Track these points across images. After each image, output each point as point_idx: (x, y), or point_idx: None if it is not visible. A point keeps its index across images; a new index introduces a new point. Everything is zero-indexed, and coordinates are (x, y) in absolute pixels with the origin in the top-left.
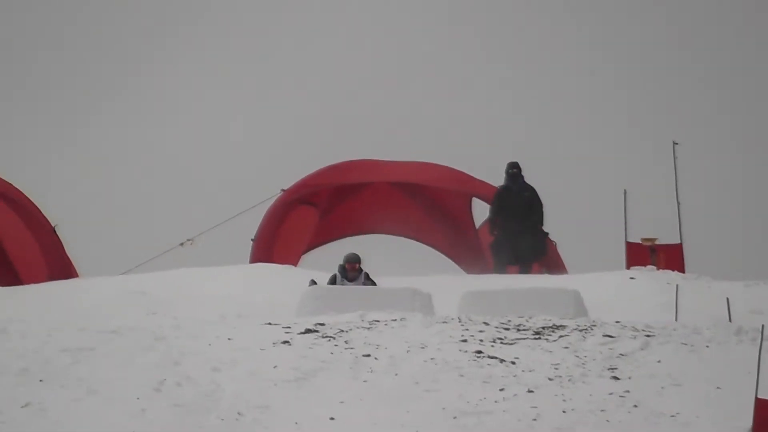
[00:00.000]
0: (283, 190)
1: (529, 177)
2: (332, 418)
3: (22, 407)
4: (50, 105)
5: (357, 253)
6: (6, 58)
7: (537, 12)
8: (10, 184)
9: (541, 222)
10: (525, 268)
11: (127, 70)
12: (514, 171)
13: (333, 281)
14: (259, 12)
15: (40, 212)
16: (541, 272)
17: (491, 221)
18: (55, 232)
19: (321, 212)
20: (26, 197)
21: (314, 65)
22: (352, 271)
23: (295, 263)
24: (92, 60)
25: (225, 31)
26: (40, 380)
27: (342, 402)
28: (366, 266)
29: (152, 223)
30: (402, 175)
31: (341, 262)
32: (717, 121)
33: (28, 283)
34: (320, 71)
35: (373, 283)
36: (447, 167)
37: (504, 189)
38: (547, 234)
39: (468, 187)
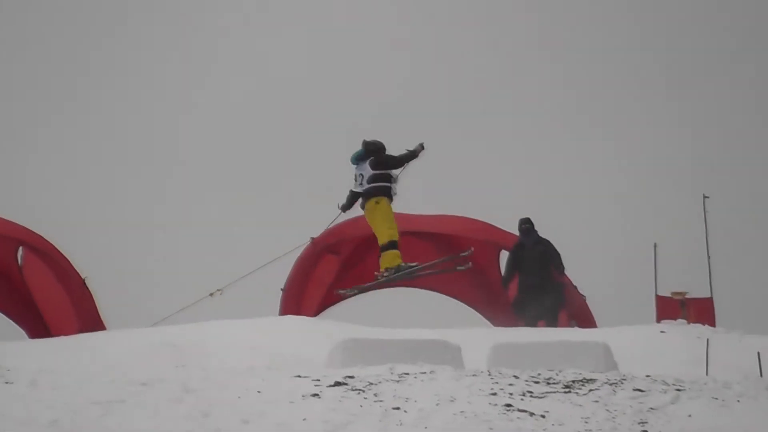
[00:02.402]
0: (312, 238)
1: (558, 231)
2: None
3: None
4: (77, 154)
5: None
6: (35, 104)
7: (562, 63)
8: (41, 237)
9: (561, 270)
10: (551, 321)
11: (154, 119)
12: (526, 226)
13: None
14: (285, 59)
15: (71, 265)
16: (570, 325)
17: (505, 276)
18: (85, 284)
19: (342, 261)
20: (56, 249)
21: (342, 113)
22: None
23: (315, 314)
24: (121, 107)
25: (252, 74)
26: None
27: None
28: (394, 319)
29: (181, 273)
30: (429, 226)
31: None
32: (748, 174)
33: (58, 335)
34: (347, 117)
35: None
36: (474, 219)
37: (518, 245)
38: (574, 286)
39: (496, 238)
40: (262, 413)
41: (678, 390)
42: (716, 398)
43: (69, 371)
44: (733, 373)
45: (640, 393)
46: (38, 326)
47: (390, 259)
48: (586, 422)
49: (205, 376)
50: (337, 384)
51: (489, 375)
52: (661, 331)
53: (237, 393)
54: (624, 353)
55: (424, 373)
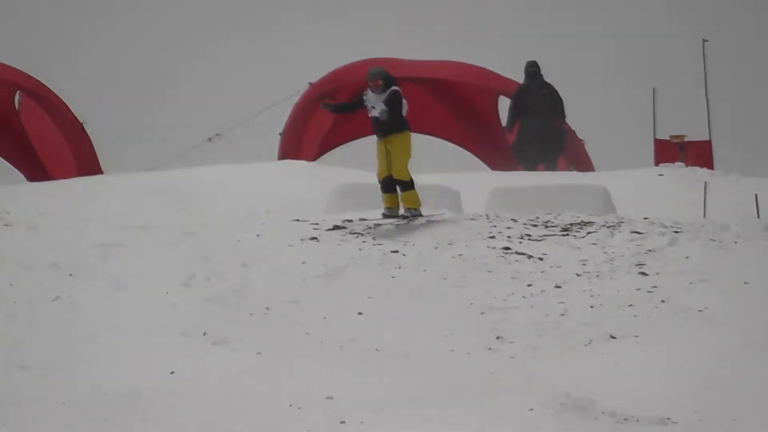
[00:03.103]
0: (310, 83)
1: (558, 74)
2: (360, 313)
3: (52, 301)
4: None
5: (380, 67)
6: None
7: None
8: (39, 81)
9: (563, 117)
10: (551, 166)
11: None
12: (532, 69)
13: (360, 100)
14: None
15: (69, 109)
16: (568, 169)
17: (509, 120)
18: (83, 128)
19: None
20: (54, 94)
21: None
22: (375, 87)
23: (313, 159)
24: None
25: None
26: (70, 275)
27: (370, 297)
28: None
29: (180, 118)
30: (428, 71)
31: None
32: (747, 17)
33: (57, 179)
34: None
35: (398, 102)
36: (472, 65)
37: (523, 88)
38: (572, 131)
39: (494, 83)
40: (262, 257)
41: (676, 232)
42: (714, 240)
43: (68, 215)
44: (731, 215)
45: (638, 235)
46: (37, 170)
47: (415, 199)
48: (584, 264)
49: (204, 220)
50: (336, 228)
51: (487, 219)
52: (660, 175)
53: (236, 237)
54: (622, 197)
55: (423, 217)
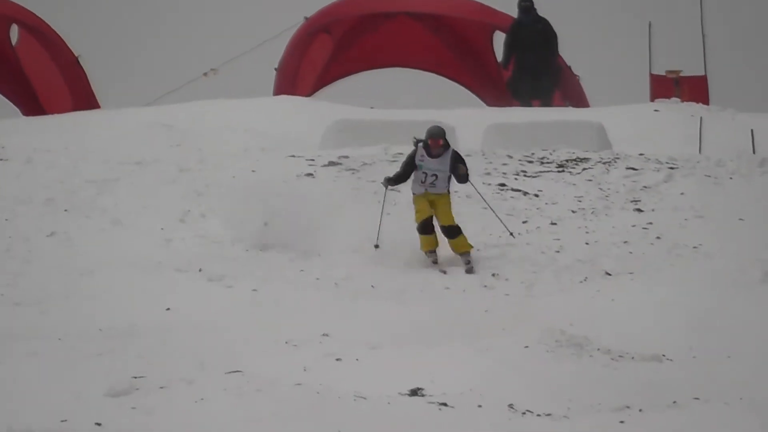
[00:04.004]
0: (306, 18)
1: (554, 9)
2: (355, 251)
3: (47, 236)
4: None
5: (441, 127)
6: None
7: None
8: (34, 14)
9: (556, 53)
10: (545, 101)
11: None
12: (526, 4)
13: (413, 156)
14: None
15: (64, 43)
16: (564, 105)
17: (504, 56)
18: (78, 62)
19: (335, 41)
20: (50, 27)
21: None
22: (435, 147)
23: (309, 94)
24: None
25: None
26: (66, 210)
27: (366, 232)
28: (389, 100)
29: (175, 52)
30: (424, 6)
31: (424, 137)
32: None
33: (52, 114)
34: None
35: (463, 163)
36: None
37: (517, 23)
38: (567, 66)
39: (490, 18)
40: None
41: (671, 168)
42: (709, 176)
43: (64, 150)
44: (727, 150)
45: (633, 172)
46: (32, 104)
47: (466, 243)
48: (580, 201)
49: (200, 156)
50: (331, 164)
51: (483, 155)
52: (655, 110)
53: (231, 173)
54: (618, 132)
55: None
